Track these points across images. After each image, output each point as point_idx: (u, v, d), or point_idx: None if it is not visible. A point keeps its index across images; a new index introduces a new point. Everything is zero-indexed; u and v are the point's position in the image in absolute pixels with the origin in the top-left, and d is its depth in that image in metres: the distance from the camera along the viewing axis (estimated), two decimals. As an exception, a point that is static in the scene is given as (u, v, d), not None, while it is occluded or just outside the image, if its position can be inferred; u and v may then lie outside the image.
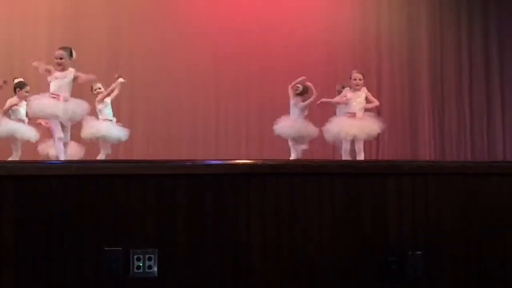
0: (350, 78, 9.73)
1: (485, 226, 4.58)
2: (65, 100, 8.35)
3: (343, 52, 13.54)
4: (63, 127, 8.47)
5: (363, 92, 9.65)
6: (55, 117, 8.37)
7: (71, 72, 8.47)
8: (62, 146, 8.39)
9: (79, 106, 8.56)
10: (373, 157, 12.92)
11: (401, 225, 4.50)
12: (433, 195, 4.55)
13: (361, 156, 9.36)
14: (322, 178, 4.45)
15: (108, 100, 10.26)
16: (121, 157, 12.22)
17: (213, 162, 4.65)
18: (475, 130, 14.22)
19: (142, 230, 4.24)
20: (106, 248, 4.18)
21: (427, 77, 14.10)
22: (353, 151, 9.62)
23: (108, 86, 10.28)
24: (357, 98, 9.58)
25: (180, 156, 11.77)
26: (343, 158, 9.45)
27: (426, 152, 13.83)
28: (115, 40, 13.03)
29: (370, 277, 4.43)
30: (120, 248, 4.19)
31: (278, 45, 13.29)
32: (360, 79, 9.60)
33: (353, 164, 5.71)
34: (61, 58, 8.44)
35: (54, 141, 8.66)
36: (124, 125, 10.51)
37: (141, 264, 4.19)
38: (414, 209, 4.52)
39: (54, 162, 6.48)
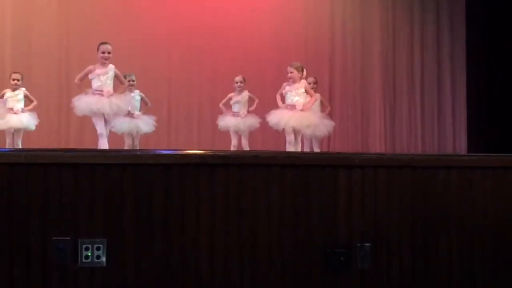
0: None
1: (432, 218, 4.64)
2: (109, 95, 8.45)
3: (295, 44, 13.56)
4: (106, 122, 8.47)
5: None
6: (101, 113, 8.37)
7: (112, 68, 8.61)
8: (104, 141, 8.37)
9: (122, 100, 8.60)
10: (324, 149, 12.96)
11: (350, 217, 4.54)
12: (382, 187, 4.59)
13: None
14: (272, 169, 4.47)
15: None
16: (71, 146, 12.10)
17: (162, 152, 4.63)
18: (425, 124, 14.36)
19: (90, 219, 4.21)
20: (54, 238, 4.14)
21: (379, 71, 14.19)
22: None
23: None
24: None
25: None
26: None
27: (377, 145, 13.93)
28: (65, 27, 12.84)
29: (318, 268, 4.46)
30: (68, 238, 4.16)
31: (231, 36, 13.27)
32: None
33: (303, 156, 5.72)
34: (109, 53, 8.56)
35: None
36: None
37: (89, 254, 4.17)
38: (364, 201, 4.56)
39: (1, 150, 6.38)
